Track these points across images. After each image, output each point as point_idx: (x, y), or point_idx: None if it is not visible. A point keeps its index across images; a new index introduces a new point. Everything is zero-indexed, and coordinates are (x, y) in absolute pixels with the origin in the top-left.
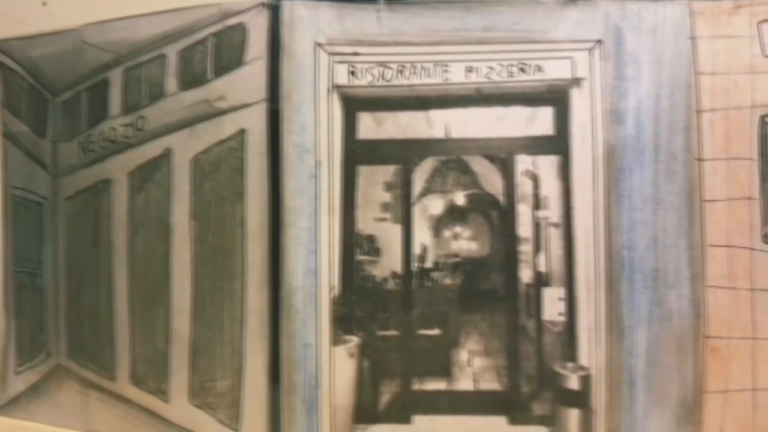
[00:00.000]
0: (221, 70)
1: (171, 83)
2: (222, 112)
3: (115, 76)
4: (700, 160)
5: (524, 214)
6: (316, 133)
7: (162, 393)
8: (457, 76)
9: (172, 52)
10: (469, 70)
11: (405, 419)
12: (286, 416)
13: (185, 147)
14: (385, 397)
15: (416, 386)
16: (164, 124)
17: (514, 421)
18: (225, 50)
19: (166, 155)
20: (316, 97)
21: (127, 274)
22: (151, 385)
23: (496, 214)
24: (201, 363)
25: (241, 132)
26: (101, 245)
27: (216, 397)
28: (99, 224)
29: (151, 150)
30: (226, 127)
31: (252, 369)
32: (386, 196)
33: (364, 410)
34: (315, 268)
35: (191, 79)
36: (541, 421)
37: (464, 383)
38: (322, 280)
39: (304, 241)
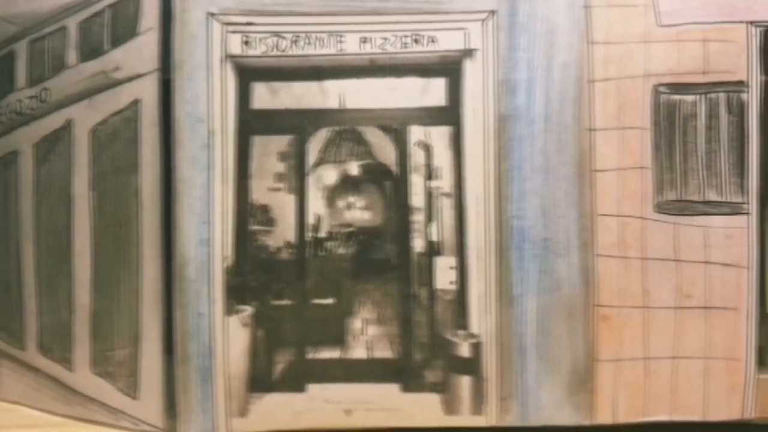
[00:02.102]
0: (117, 41)
1: (72, 55)
2: (118, 83)
3: (21, 49)
4: (591, 129)
5: (417, 184)
6: (209, 103)
7: (67, 362)
8: (351, 46)
9: (72, 23)
10: (364, 40)
11: (299, 388)
12: (182, 385)
13: (85, 118)
14: (280, 366)
15: (310, 355)
16: (66, 96)
17: (406, 388)
18: (120, 21)
19: (68, 126)
20: (209, 67)
21: (33, 244)
22: (57, 354)
23: (389, 184)
24: (102, 332)
25: (136, 102)
26: (10, 217)
27: (116, 366)
28: (8, 196)
29: (54, 121)
30: (122, 97)
31: (148, 338)
32: (280, 166)
33: (259, 379)
34: (208, 238)
35: (90, 50)
36: (434, 388)
37: (358, 352)
38: (215, 250)
39: (197, 211)
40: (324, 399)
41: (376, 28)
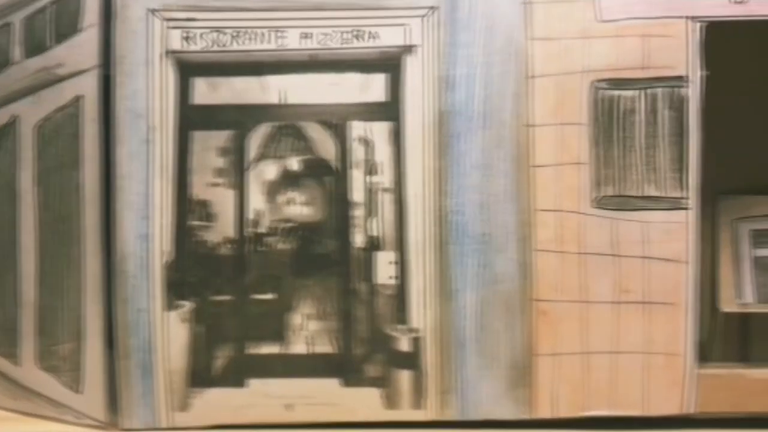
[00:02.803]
0: (60, 37)
1: (16, 51)
2: (61, 79)
3: None
4: (530, 125)
5: (357, 179)
6: (148, 98)
7: (14, 357)
8: (292, 42)
9: (17, 20)
10: (305, 36)
11: (239, 383)
12: (123, 380)
13: (30, 114)
14: (220, 361)
15: (250, 350)
16: (11, 92)
17: (347, 383)
18: (63, 17)
19: (13, 123)
20: (149, 63)
21: None
22: (5, 349)
23: (329, 180)
24: (47, 327)
25: (78, 98)
26: None
27: (60, 361)
28: None
29: (1, 117)
30: (65, 93)
31: (91, 333)
32: (220, 162)
33: (199, 374)
34: (147, 233)
35: (34, 46)
36: (374, 382)
37: (298, 347)
38: (154, 245)
39: (136, 206)
40: (264, 394)
41: (316, 23)
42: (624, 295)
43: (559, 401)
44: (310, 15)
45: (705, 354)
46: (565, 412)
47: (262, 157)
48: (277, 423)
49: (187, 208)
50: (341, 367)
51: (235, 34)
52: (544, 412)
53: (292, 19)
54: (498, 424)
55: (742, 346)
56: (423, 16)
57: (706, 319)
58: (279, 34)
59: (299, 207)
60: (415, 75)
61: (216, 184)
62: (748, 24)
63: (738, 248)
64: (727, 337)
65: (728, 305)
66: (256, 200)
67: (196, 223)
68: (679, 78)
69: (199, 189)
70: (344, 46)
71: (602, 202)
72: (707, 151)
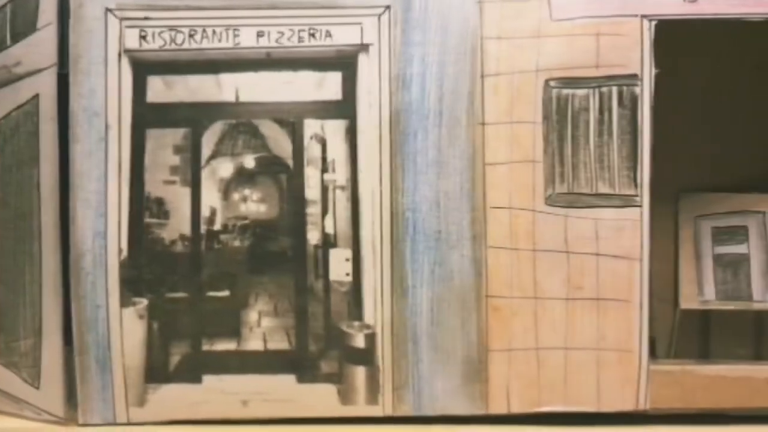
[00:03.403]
0: (18, 36)
1: None
2: (20, 78)
3: None
4: (483, 124)
5: (312, 177)
6: (105, 97)
7: None
8: (247, 40)
9: None
10: (260, 34)
11: (195, 379)
12: (81, 375)
13: None
14: (176, 358)
15: (206, 347)
16: None
17: (302, 379)
18: (20, 16)
19: None
20: (106, 62)
21: None
22: None
23: (284, 177)
24: (7, 323)
25: (35, 97)
26: None
27: (20, 357)
28: None
29: None
30: (23, 92)
31: (49, 329)
32: (175, 159)
33: (156, 370)
34: (104, 230)
35: None
36: (329, 379)
37: (254, 343)
38: (110, 242)
39: (93, 204)
40: (220, 390)
41: (272, 22)
42: (576, 291)
43: (513, 397)
44: (266, 14)
45: (668, 351)
46: (519, 408)
47: (216, 154)
48: (233, 419)
49: (143, 205)
50: (296, 363)
51: (191, 32)
52: (498, 408)
53: (248, 18)
54: (453, 419)
55: (703, 343)
56: (378, 15)
57: (668, 316)
58: (234, 32)
59: (254, 204)
60: (370, 73)
61: (171, 182)
62: (699, 22)
63: (699, 245)
64: (689, 334)
65: (690, 302)
66: (211, 198)
67: (151, 220)
68: (632, 76)
69: (154, 187)
70: (299, 44)
71: (555, 200)
72: (668, 149)
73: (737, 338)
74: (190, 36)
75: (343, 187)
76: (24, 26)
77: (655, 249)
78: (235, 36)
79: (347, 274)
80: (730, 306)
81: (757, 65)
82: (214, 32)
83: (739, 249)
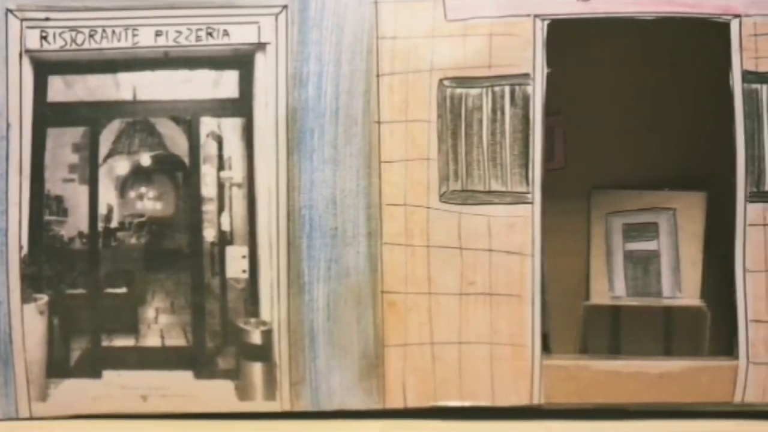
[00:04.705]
0: None
1: None
2: None
3: None
4: (379, 122)
5: (208, 174)
6: (6, 96)
7: None
8: (146, 39)
9: None
10: (158, 34)
11: (95, 374)
12: None
13: None
14: (76, 353)
15: (105, 342)
16: None
17: (200, 375)
18: None
19: None
20: (7, 62)
21: None
22: None
23: (180, 175)
24: None
25: None
26: None
27: None
28: None
29: None
30: None
31: None
32: (74, 158)
33: (56, 365)
34: (5, 228)
35: None
36: (226, 375)
37: (151, 339)
38: (11, 239)
39: None
40: (120, 385)
41: (170, 21)
42: (469, 286)
43: (409, 391)
44: (164, 13)
45: (581, 346)
46: (415, 402)
47: (114, 152)
48: (133, 413)
49: (43, 203)
50: (194, 359)
51: (91, 33)
52: (395, 402)
53: (147, 18)
54: (351, 414)
55: (613, 338)
56: (275, 15)
57: (580, 312)
58: (134, 32)
59: (150, 202)
60: (267, 72)
61: (70, 180)
62: (591, 21)
63: (611, 242)
64: (600, 330)
65: (600, 298)
66: (108, 195)
67: (51, 218)
68: (525, 76)
69: (54, 185)
70: (197, 43)
71: (449, 197)
72: (580, 147)
73: (647, 334)
74: (90, 36)
75: (239, 185)
76: None
77: (568, 246)
78: (134, 36)
79: (243, 272)
80: (640, 302)
81: (670, 63)
82: (113, 32)
83: (649, 246)
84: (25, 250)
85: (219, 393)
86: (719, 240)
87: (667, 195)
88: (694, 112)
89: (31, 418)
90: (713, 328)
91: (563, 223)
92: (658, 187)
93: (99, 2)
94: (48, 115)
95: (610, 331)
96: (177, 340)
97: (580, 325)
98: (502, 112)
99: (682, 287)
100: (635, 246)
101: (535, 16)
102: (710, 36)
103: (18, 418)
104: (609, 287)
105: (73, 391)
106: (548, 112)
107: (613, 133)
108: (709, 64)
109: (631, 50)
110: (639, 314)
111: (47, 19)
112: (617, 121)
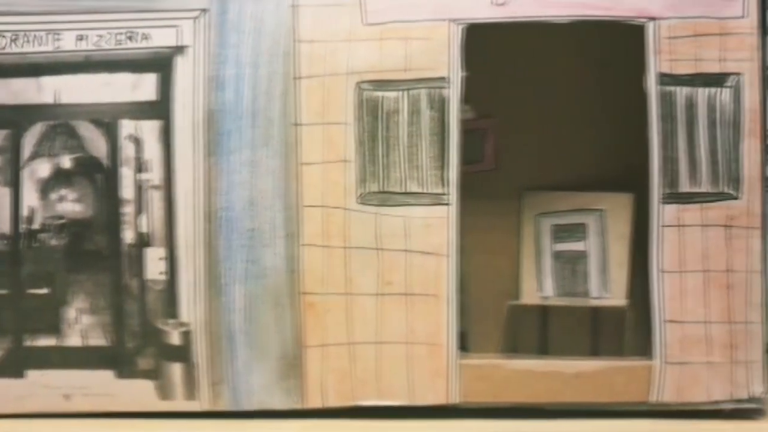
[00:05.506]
0: None
1: None
2: None
3: None
4: (297, 124)
5: (127, 176)
6: None
7: None
8: (68, 43)
9: None
10: (80, 38)
11: (18, 374)
12: None
13: None
14: None
15: (28, 342)
16: None
17: (120, 375)
18: None
19: None
20: None
21: None
22: None
23: (100, 177)
24: None
25: None
26: None
27: None
28: None
29: None
30: None
31: None
32: None
33: None
34: None
35: None
36: (147, 375)
37: (73, 339)
38: None
39: None
40: (43, 384)
41: (92, 26)
42: (386, 287)
43: (329, 391)
44: (86, 18)
45: (508, 346)
46: (335, 402)
47: (36, 155)
48: (56, 412)
49: None
50: (115, 359)
51: (13, 37)
52: (314, 402)
53: (69, 22)
54: (271, 414)
55: (541, 338)
56: (194, 18)
57: (510, 312)
58: (56, 36)
59: (71, 204)
60: (186, 75)
61: None
62: (508, 26)
63: (540, 243)
64: (528, 329)
65: (530, 298)
66: (30, 198)
67: None
68: (441, 79)
69: None
70: (117, 47)
71: (367, 198)
72: (511, 149)
73: (575, 333)
74: (13, 40)
75: (157, 187)
76: None
77: (499, 246)
78: (56, 40)
79: (162, 273)
80: (567, 302)
81: (599, 63)
82: (35, 36)
83: (578, 246)
84: None
85: (140, 392)
86: (646, 241)
87: (595, 196)
88: (623, 114)
89: None
90: (639, 328)
91: (495, 224)
92: (588, 188)
93: (21, 7)
94: None
95: (539, 331)
96: (98, 340)
97: (504, 324)
98: (419, 115)
99: (609, 287)
100: (564, 246)
101: (452, 20)
102: (636, 37)
103: None
104: (538, 287)
105: None
106: (480, 115)
107: (544, 136)
108: (635, 65)
109: (561, 52)
110: (567, 314)
111: None
112: (549, 124)
